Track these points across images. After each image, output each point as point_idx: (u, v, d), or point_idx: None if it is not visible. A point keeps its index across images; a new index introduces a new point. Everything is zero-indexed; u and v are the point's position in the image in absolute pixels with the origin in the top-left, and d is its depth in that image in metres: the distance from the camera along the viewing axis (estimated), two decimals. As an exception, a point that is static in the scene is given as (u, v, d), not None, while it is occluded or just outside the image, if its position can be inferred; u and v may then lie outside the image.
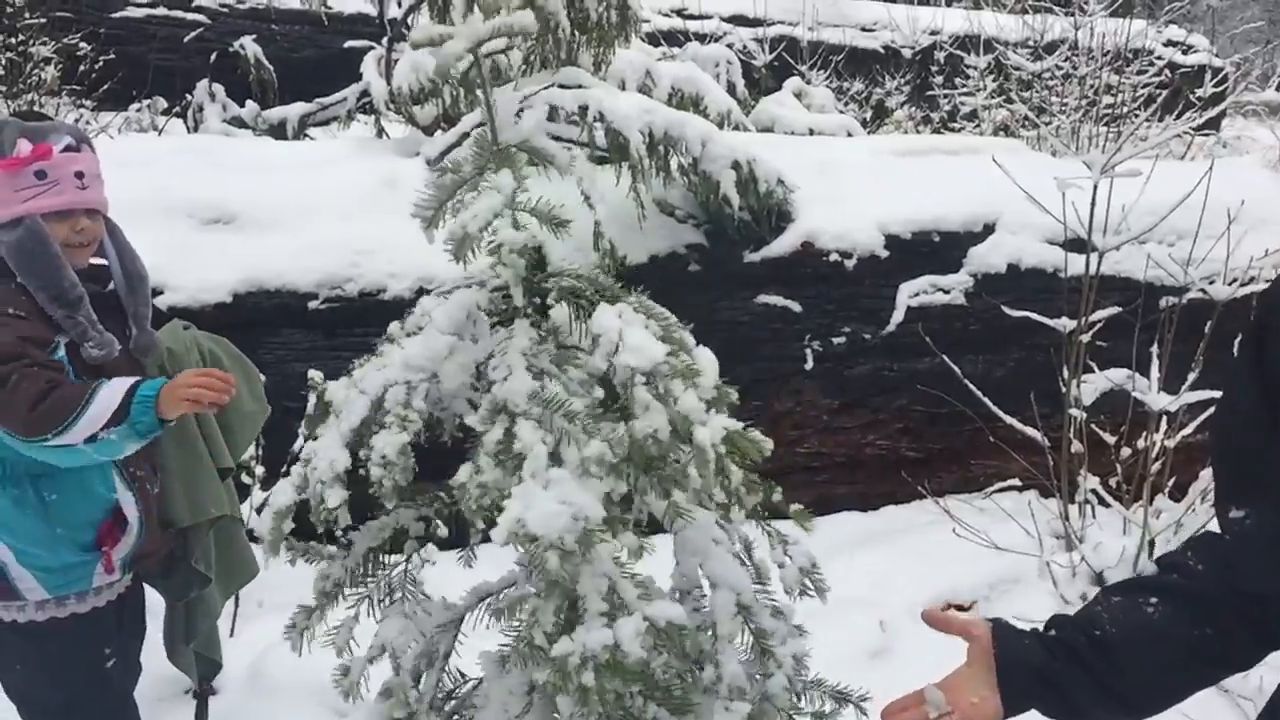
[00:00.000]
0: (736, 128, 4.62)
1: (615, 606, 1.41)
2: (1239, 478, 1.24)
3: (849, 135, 5.34)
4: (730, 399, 1.62)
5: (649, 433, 1.37)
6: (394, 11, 4.35)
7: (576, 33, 3.92)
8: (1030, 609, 3.31)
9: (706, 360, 1.61)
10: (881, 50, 10.19)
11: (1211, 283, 3.59)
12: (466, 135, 3.81)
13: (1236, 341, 1.29)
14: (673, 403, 1.38)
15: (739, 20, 9.98)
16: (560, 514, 1.30)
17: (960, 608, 3.49)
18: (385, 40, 4.15)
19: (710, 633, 1.57)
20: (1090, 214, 3.39)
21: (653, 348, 1.44)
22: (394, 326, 1.62)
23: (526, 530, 1.28)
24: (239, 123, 5.55)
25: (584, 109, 3.65)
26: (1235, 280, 3.62)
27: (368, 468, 1.46)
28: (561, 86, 3.86)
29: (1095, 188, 3.34)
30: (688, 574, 1.63)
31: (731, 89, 5.20)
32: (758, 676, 1.62)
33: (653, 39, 8.46)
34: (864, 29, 10.46)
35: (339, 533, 1.58)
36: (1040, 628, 1.29)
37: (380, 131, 4.75)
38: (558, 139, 3.94)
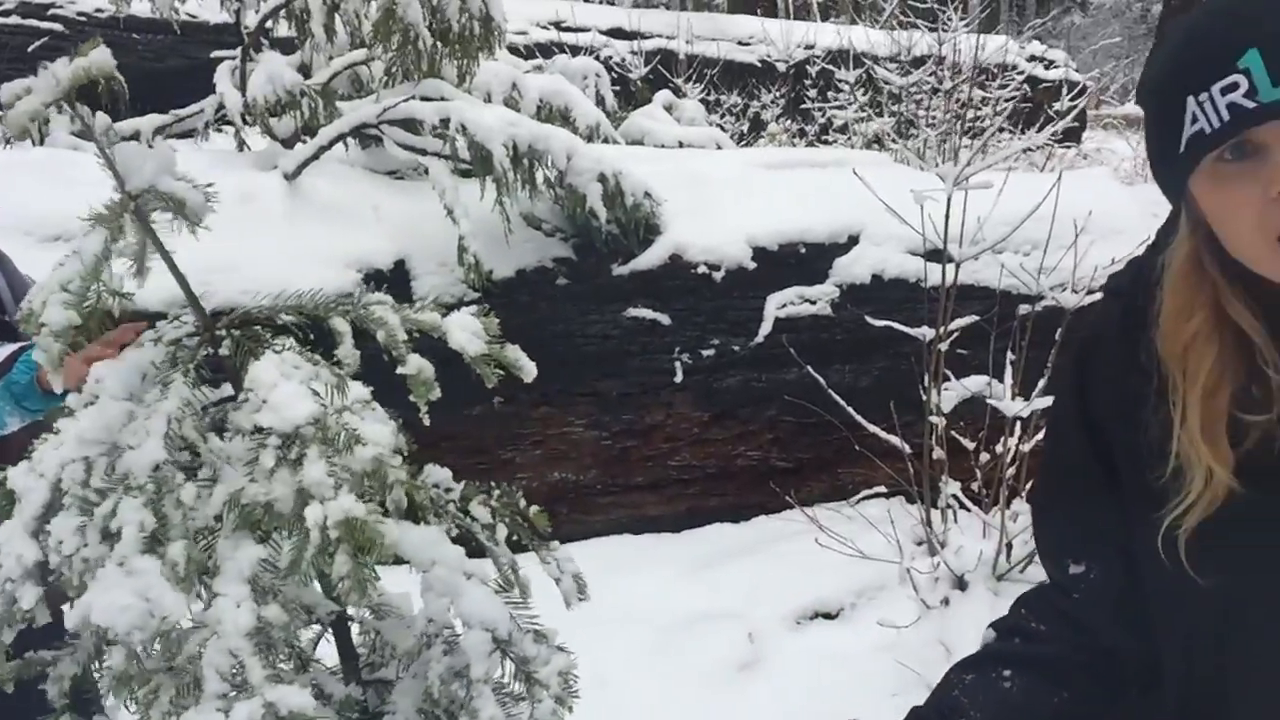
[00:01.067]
0: (606, 140, 4.61)
1: (239, 687, 1.33)
2: (1074, 531, 1.23)
3: (719, 148, 5.39)
4: (397, 477, 1.54)
5: (259, 502, 1.30)
6: (251, 20, 4.23)
7: (439, 44, 3.86)
8: (894, 615, 3.37)
9: (377, 430, 1.54)
10: (758, 64, 10.32)
11: (1061, 290, 3.70)
12: (325, 148, 3.73)
13: (1055, 388, 1.28)
14: (298, 474, 1.32)
15: (617, 33, 10.00)
16: (132, 608, 1.22)
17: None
18: (240, 50, 4.02)
19: (464, 679, 1.53)
20: (945, 225, 3.46)
21: (297, 407, 1.35)
22: (72, 398, 1.50)
23: (91, 620, 1.21)
24: (88, 135, 5.28)
25: (446, 121, 3.60)
26: (1083, 289, 3.73)
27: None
28: (424, 99, 3.80)
29: (949, 200, 3.41)
30: (436, 616, 1.57)
31: (601, 102, 5.20)
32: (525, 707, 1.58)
33: (529, 51, 8.43)
34: (741, 43, 10.58)
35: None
36: None
37: (241, 145, 4.60)
38: (423, 152, 3.90)
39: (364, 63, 4.11)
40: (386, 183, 3.98)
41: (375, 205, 3.75)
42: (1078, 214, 3.86)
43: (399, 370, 1.65)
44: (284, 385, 1.40)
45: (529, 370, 1.69)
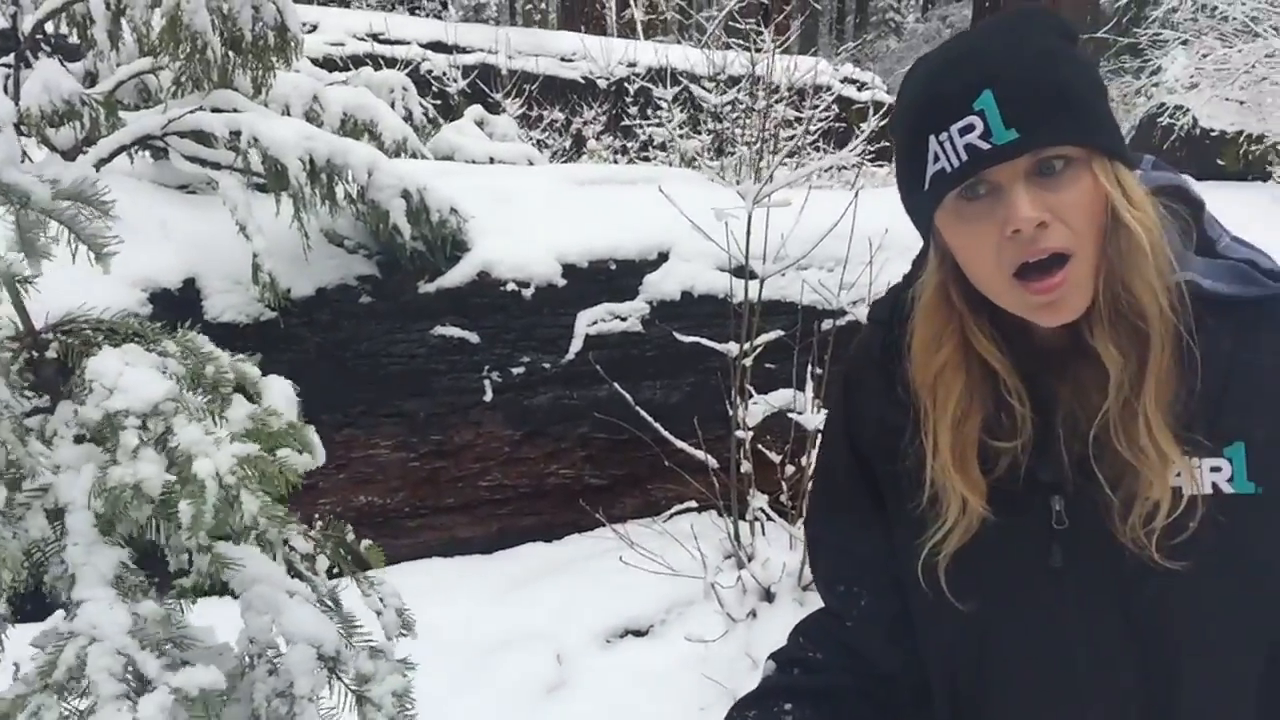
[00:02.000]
0: (414, 156, 4.52)
1: (140, 682, 1.27)
2: (844, 559, 1.25)
3: (530, 164, 5.36)
4: (302, 434, 1.52)
5: (127, 484, 1.25)
6: (29, 24, 3.97)
7: (231, 53, 3.70)
8: (703, 629, 3.39)
9: (276, 392, 1.51)
10: (580, 81, 10.35)
11: (859, 305, 3.82)
12: (106, 160, 3.52)
13: (827, 417, 1.30)
14: (170, 442, 1.27)
15: (437, 46, 9.87)
16: None
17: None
18: (14, 56, 3.77)
19: (288, 697, 1.47)
20: (746, 242, 3.52)
21: (152, 387, 1.33)
22: None
23: None
24: None
25: (237, 134, 3.45)
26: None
27: None
28: (215, 110, 3.64)
29: (750, 217, 3.47)
30: (258, 636, 1.51)
31: (409, 116, 5.09)
32: None
33: (345, 63, 8.23)
34: (563, 59, 10.59)
35: None
36: None
37: (25, 156, 4.31)
38: (216, 166, 3.73)
39: (151, 72, 3.90)
40: (176, 197, 3.79)
41: (163, 221, 3.57)
42: (877, 231, 3.99)
43: (225, 413, 1.60)
44: (131, 371, 1.36)
45: (319, 456, 1.67)
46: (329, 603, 1.65)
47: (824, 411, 3.49)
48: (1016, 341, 1.06)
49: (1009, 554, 1.09)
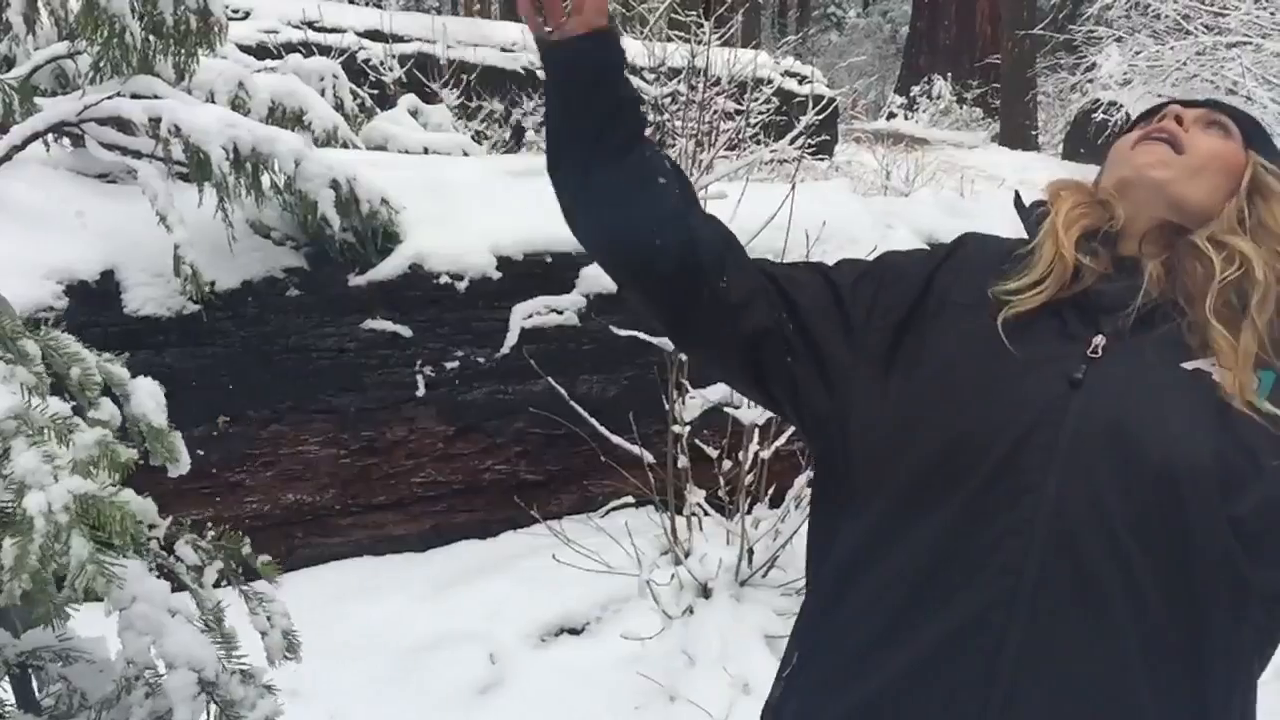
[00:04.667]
0: (345, 145, 4.42)
1: None
2: (833, 279, 1.35)
3: (465, 154, 5.27)
4: (168, 442, 1.44)
5: None
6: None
7: (152, 38, 3.58)
8: (639, 626, 3.35)
9: (144, 395, 1.43)
10: (521, 71, 10.24)
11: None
12: (19, 148, 3.39)
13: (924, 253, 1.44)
14: (5, 469, 1.18)
15: (374, 35, 9.69)
16: None
17: None
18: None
19: None
20: (683, 235, 3.47)
21: None
22: None
23: None
24: None
25: (157, 121, 3.34)
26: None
27: None
28: (135, 96, 3.52)
29: (686, 209, 3.43)
30: (137, 658, 1.44)
31: (340, 105, 4.99)
32: None
33: (279, 50, 8.06)
34: (504, 49, 10.47)
35: None
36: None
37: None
38: (137, 154, 3.61)
39: (69, 56, 3.77)
40: (95, 186, 3.66)
41: (80, 211, 3.44)
42: (815, 224, 3.97)
43: (91, 414, 1.54)
44: None
45: (183, 464, 1.61)
46: (207, 620, 1.57)
47: (759, 408, 3.47)
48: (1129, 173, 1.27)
49: (1031, 355, 1.16)
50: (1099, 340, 1.15)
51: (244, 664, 1.57)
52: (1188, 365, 1.12)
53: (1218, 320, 1.12)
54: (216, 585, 1.67)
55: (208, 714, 1.44)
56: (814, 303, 1.30)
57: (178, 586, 1.55)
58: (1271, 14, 12.78)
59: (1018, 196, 1.41)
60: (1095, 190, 1.29)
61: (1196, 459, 1.06)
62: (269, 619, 1.63)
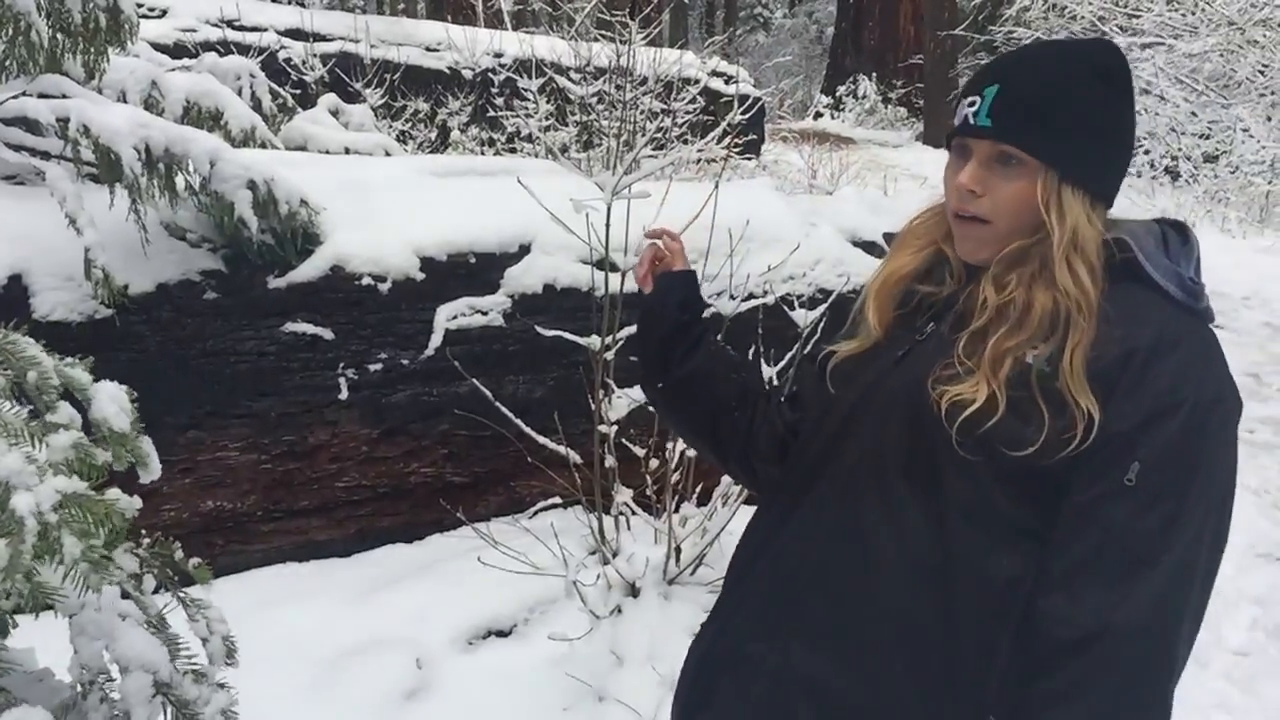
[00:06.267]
0: (264, 146, 4.34)
1: None
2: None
3: (387, 154, 5.21)
4: (136, 447, 1.43)
5: None
6: None
7: (59, 36, 3.49)
8: (567, 627, 3.34)
9: (108, 399, 1.41)
10: (446, 71, 10.17)
11: (719, 297, 3.81)
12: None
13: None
14: None
15: (296, 34, 9.56)
16: None
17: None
18: None
19: None
20: (606, 234, 3.47)
21: None
22: None
23: None
24: None
25: (65, 121, 3.25)
26: (746, 295, 3.86)
27: None
28: (42, 95, 3.43)
29: (609, 209, 3.42)
30: (90, 663, 1.41)
31: (258, 105, 4.90)
32: None
33: (197, 49, 7.91)
34: (428, 49, 10.38)
35: None
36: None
37: None
38: (46, 156, 3.52)
39: (-29, 54, 3.65)
40: (1, 188, 3.56)
41: (-15, 213, 3.34)
42: (739, 223, 3.98)
43: (48, 418, 1.51)
44: None
45: (154, 470, 1.63)
46: (154, 623, 1.55)
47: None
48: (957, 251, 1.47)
49: (875, 356, 1.50)
50: (929, 328, 1.45)
51: (195, 665, 1.56)
52: (955, 363, 1.36)
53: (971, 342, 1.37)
54: (155, 592, 1.65)
55: (165, 715, 1.42)
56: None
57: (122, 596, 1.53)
58: (1184, 15, 13.14)
59: (888, 238, 1.68)
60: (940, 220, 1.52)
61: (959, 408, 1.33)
62: (208, 625, 1.61)
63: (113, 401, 1.58)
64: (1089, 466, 1.27)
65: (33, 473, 1.18)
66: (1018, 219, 1.35)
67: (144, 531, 1.77)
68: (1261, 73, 12.42)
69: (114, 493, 1.27)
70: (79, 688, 1.47)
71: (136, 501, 1.42)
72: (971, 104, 1.35)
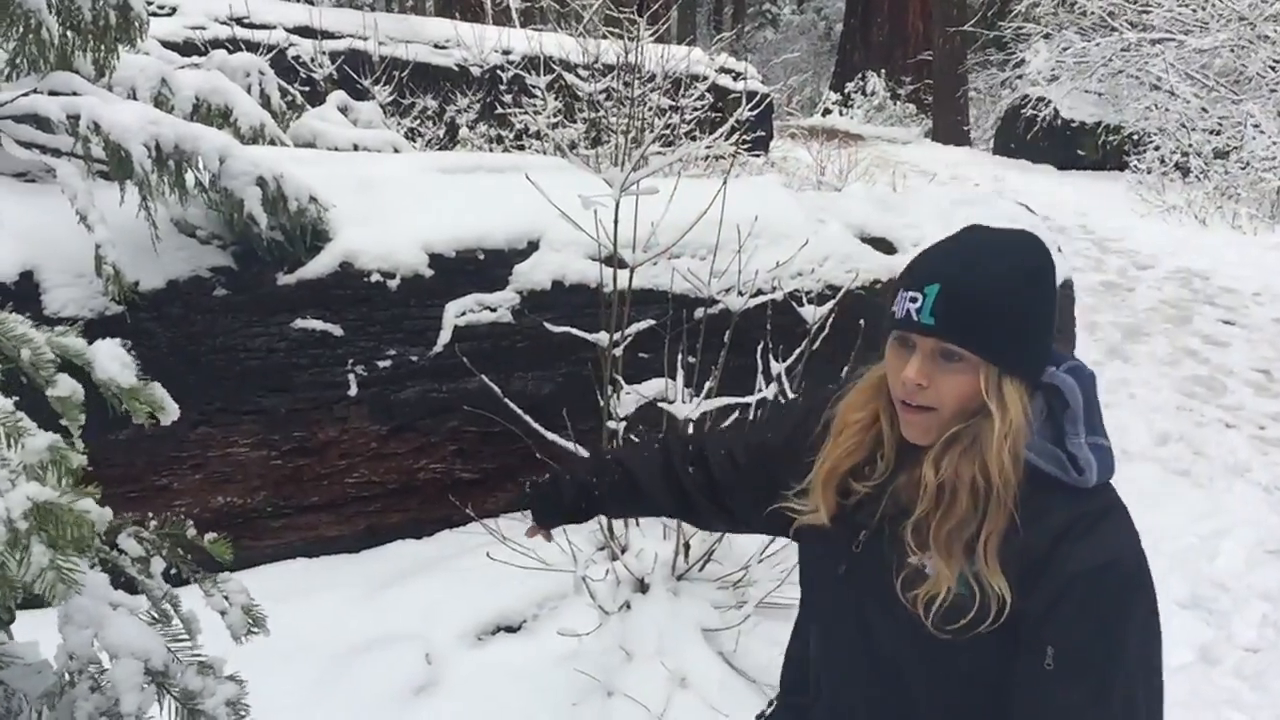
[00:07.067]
0: (273, 143, 4.35)
1: None
2: (747, 440, 1.89)
3: (396, 151, 5.22)
4: (148, 394, 1.43)
5: None
6: None
7: (70, 34, 3.50)
8: (575, 623, 3.34)
9: (107, 358, 1.41)
10: (454, 68, 10.17)
11: (728, 293, 3.81)
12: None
13: (807, 402, 1.87)
14: None
15: (305, 31, 9.58)
16: None
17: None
18: None
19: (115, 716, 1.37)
20: (614, 230, 3.47)
21: None
22: None
23: None
24: None
25: (76, 118, 3.26)
26: (755, 291, 3.86)
27: None
28: (52, 93, 3.44)
29: (617, 205, 3.42)
30: (79, 651, 1.41)
31: (267, 101, 4.91)
32: None
33: (207, 47, 7.92)
34: (436, 46, 10.40)
35: None
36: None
37: None
38: (57, 153, 3.53)
39: (-18, 51, 3.66)
40: (12, 186, 3.57)
41: (-4, 210, 3.35)
42: (747, 219, 3.99)
43: (49, 393, 1.51)
44: None
45: (171, 410, 1.63)
46: (158, 613, 1.55)
47: (704, 402, 3.49)
48: (901, 433, 1.54)
49: (828, 549, 1.64)
50: (862, 537, 1.57)
51: (200, 655, 1.56)
52: (911, 560, 1.48)
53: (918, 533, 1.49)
54: (168, 578, 1.65)
55: (160, 704, 1.42)
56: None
57: (126, 580, 1.53)
58: (1194, 11, 13.07)
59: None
60: (879, 398, 1.59)
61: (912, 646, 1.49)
62: (226, 598, 1.61)
63: (114, 360, 1.58)
64: (1017, 641, 1.41)
65: (5, 478, 1.17)
66: (960, 406, 1.45)
67: (151, 515, 1.77)
68: (1272, 68, 12.36)
69: (87, 503, 1.26)
70: (66, 675, 1.47)
71: (107, 512, 1.41)
72: (914, 300, 1.43)
